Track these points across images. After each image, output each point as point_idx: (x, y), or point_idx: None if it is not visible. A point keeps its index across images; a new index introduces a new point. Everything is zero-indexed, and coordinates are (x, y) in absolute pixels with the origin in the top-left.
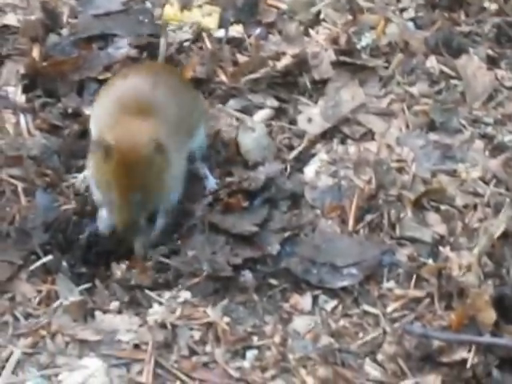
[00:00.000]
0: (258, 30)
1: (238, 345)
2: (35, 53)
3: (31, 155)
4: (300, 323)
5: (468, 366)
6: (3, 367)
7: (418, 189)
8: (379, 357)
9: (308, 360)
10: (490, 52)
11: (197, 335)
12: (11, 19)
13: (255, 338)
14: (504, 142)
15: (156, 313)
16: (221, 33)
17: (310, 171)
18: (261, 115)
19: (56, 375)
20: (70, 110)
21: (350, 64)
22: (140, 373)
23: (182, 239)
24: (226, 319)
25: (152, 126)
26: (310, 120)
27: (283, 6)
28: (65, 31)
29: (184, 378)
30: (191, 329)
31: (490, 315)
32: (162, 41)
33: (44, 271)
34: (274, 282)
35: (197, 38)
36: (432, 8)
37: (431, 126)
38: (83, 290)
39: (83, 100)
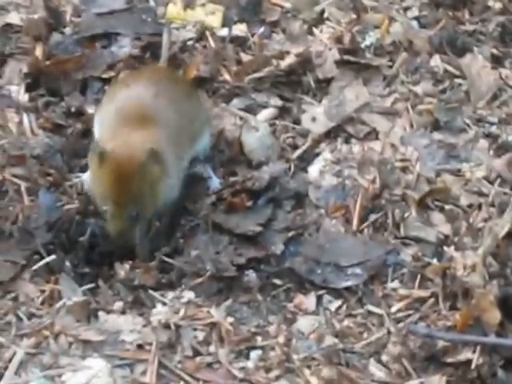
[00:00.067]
0: (261, 29)
1: (242, 345)
2: (38, 52)
3: (34, 154)
4: (304, 323)
5: (473, 366)
6: (6, 368)
7: (422, 188)
8: (384, 357)
9: (312, 360)
10: (495, 51)
11: (200, 335)
12: (14, 18)
13: (259, 338)
14: (508, 141)
15: (159, 313)
16: (224, 32)
17: (314, 170)
18: (264, 114)
19: (59, 376)
20: (73, 109)
21: (354, 63)
22: (144, 373)
23: (186, 239)
24: (230, 319)
25: (151, 136)
26: (313, 119)
27: (287, 5)
28: (68, 30)
29: (188, 378)
30: (195, 329)
31: (494, 315)
32: (165, 39)
33: (47, 271)
34: (277, 281)
35: (200, 36)
36: (436, 7)
37: (435, 126)
38: (86, 290)
39: (86, 99)
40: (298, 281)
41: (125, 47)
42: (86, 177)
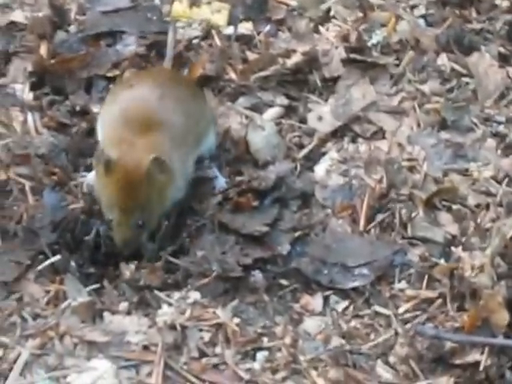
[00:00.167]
0: (267, 27)
1: (248, 346)
2: (43, 50)
3: (39, 153)
4: (311, 324)
5: (481, 368)
6: (11, 369)
7: (429, 188)
8: (391, 358)
9: (319, 361)
10: (502, 49)
11: (206, 336)
12: (18, 16)
13: (265, 339)
14: None
15: (165, 314)
16: (230, 30)
17: (320, 170)
18: (270, 113)
19: (64, 377)
20: (77, 108)
21: (360, 61)
22: (149, 375)
23: (192, 239)
24: (236, 320)
25: (156, 142)
26: (320, 118)
27: (293, 3)
28: (73, 28)
29: (194, 379)
30: (201, 330)
31: (503, 316)
32: (171, 38)
33: (52, 271)
34: (284, 282)
35: (206, 35)
36: (443, 5)
37: (442, 125)
38: (91, 291)
39: (91, 97)
40: (305, 281)
41: (130, 45)
42: (91, 176)
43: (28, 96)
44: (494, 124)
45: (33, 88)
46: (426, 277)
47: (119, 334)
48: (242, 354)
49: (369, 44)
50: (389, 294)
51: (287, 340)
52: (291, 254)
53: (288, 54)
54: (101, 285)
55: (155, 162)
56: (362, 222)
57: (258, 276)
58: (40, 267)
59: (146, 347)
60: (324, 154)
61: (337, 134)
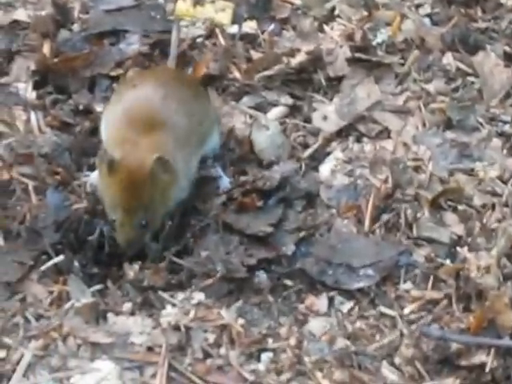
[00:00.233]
0: (271, 26)
1: (253, 347)
2: (46, 49)
3: (42, 153)
4: (316, 325)
5: (487, 369)
6: (14, 370)
7: (435, 188)
8: (396, 360)
9: (324, 363)
10: (507, 49)
11: (211, 337)
12: (21, 14)
13: (270, 341)
14: None
15: (169, 314)
16: (234, 29)
17: (325, 170)
18: (275, 113)
19: (68, 378)
20: (81, 107)
21: (365, 61)
22: (153, 376)
23: (196, 239)
24: (241, 321)
25: (159, 142)
26: (325, 118)
27: (297, 2)
28: (76, 27)
29: (198, 381)
30: (205, 331)
31: (509, 318)
32: (174, 37)
33: (55, 272)
34: (289, 282)
35: (210, 34)
36: (448, 4)
37: (448, 124)
38: (95, 291)
39: (94, 97)
40: (310, 282)
41: (133, 44)
42: (94, 176)
43: (31, 95)
44: (499, 123)
45: (36, 87)
46: (432, 277)
47: (123, 335)
48: (246, 355)
49: (374, 43)
50: (394, 295)
51: (292, 341)
52: (296, 255)
53: (292, 53)
54: (104, 285)
55: (159, 161)
56: (367, 223)
57: (262, 276)
58: (43, 267)
59: (149, 348)
60: (329, 153)
61: (342, 134)
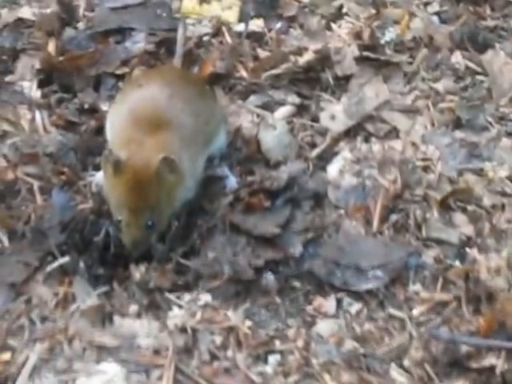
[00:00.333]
0: (278, 24)
1: (260, 349)
2: (51, 47)
3: (47, 152)
4: (324, 327)
5: (497, 372)
6: (19, 373)
7: (444, 188)
8: (405, 362)
9: (332, 365)
10: None
11: (218, 340)
12: (26, 12)
13: (278, 342)
14: None
15: (176, 316)
16: (241, 27)
17: (333, 170)
18: (282, 112)
19: (73, 381)
20: (86, 106)
21: (373, 59)
22: (160, 378)
23: (202, 240)
24: (248, 323)
25: (165, 142)
26: (332, 117)
27: (304, 0)
28: (81, 25)
29: (205, 383)
30: (212, 333)
31: None
32: (181, 35)
33: (61, 273)
34: (296, 284)
35: (216, 32)
36: (457, 2)
37: (457, 124)
38: (101, 293)
39: (100, 95)
40: (318, 283)
41: (139, 43)
42: (99, 175)
43: (36, 94)
44: (508, 123)
45: (41, 86)
46: (441, 279)
47: (129, 338)
48: (253, 358)
49: (382, 41)
50: (403, 297)
51: (300, 343)
52: (304, 256)
53: (300, 51)
54: (110, 287)
55: (165, 161)
56: (375, 223)
57: (269, 278)
58: (48, 269)
59: (156, 351)
60: (337, 153)
61: (350, 134)
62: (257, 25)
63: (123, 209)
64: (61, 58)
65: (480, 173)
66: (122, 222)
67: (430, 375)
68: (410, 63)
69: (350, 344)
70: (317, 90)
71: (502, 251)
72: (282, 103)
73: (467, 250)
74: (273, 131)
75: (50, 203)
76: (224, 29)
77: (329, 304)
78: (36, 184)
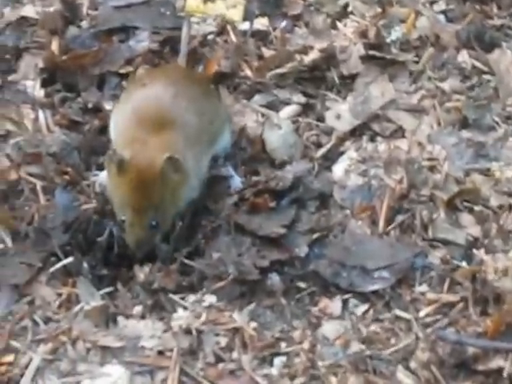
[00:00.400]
0: (283, 23)
1: (266, 351)
2: (54, 46)
3: (50, 152)
4: (329, 328)
5: (505, 374)
6: (22, 374)
7: (450, 189)
8: (412, 364)
9: (338, 367)
10: None
11: (223, 341)
12: (29, 11)
13: (283, 344)
14: None
15: (180, 318)
16: (245, 25)
17: (338, 170)
18: (287, 111)
19: (77, 383)
20: (90, 105)
21: (379, 58)
22: (164, 381)
23: (207, 240)
24: (253, 324)
25: (169, 141)
26: (338, 116)
27: None
28: (85, 23)
29: None
30: (217, 334)
31: None
32: (185, 33)
33: (64, 273)
34: (302, 285)
35: (221, 30)
36: (463, 0)
37: (463, 123)
38: (105, 294)
39: (104, 94)
40: (323, 284)
41: (143, 41)
42: (103, 175)
43: (39, 93)
44: None
45: (44, 85)
46: (448, 280)
47: (133, 339)
48: (259, 360)
49: (388, 40)
50: (409, 298)
51: (305, 345)
52: (309, 257)
53: (305, 50)
54: (114, 288)
55: (169, 161)
56: (381, 224)
57: (275, 279)
58: (52, 269)
59: (160, 352)
60: (342, 153)
61: (355, 133)
62: (262, 23)
63: (127, 209)
64: (64, 57)
65: (487, 173)
66: (126, 222)
67: (436, 377)
68: (416, 62)
69: (356, 346)
70: (322, 89)
71: (510, 252)
72: (287, 102)
73: (474, 250)
74: (278, 131)
75: (54, 203)
76: (229, 27)
77: (334, 305)
78: (39, 184)
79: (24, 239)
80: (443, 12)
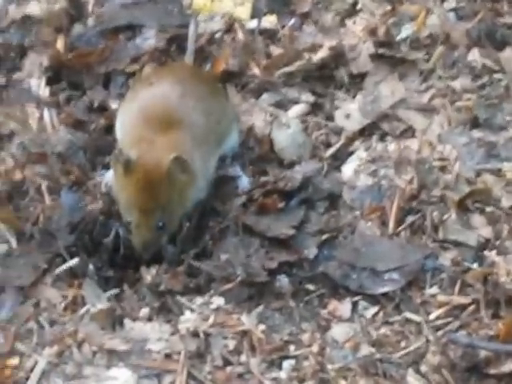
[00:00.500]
0: (292, 21)
1: (274, 354)
2: (59, 44)
3: (56, 152)
4: (339, 331)
5: None
6: (28, 377)
7: (461, 189)
8: (422, 367)
9: (348, 370)
10: None
11: (231, 344)
12: (34, 9)
13: (292, 347)
14: None
15: (188, 320)
16: (253, 23)
17: (348, 170)
18: (296, 110)
19: None
20: (95, 104)
21: (389, 57)
22: None
23: (215, 242)
24: (262, 327)
25: (176, 141)
26: (347, 116)
27: None
28: (90, 21)
29: None
30: (225, 337)
31: None
32: (192, 32)
33: (70, 275)
34: (311, 287)
35: (228, 28)
36: None
37: (474, 123)
38: (111, 296)
39: (109, 93)
40: (333, 286)
41: (149, 39)
42: (109, 175)
43: (44, 92)
44: None
45: (49, 83)
46: (459, 282)
47: (140, 342)
48: (267, 363)
49: (397, 38)
50: (420, 300)
51: (314, 348)
52: (318, 258)
53: (314, 48)
54: (120, 289)
55: (176, 161)
56: (391, 225)
57: (283, 281)
58: (57, 271)
59: (168, 355)
60: (352, 153)
61: (365, 133)
62: (270, 21)
63: (133, 209)
64: (69, 55)
65: (498, 173)
66: (132, 223)
67: (447, 381)
68: (427, 61)
69: (365, 349)
70: (331, 88)
71: None
72: (295, 101)
73: (485, 252)
74: (286, 130)
75: (59, 204)
76: (236, 25)
77: (344, 307)
78: (44, 184)
79: (29, 240)
80: (454, 10)
